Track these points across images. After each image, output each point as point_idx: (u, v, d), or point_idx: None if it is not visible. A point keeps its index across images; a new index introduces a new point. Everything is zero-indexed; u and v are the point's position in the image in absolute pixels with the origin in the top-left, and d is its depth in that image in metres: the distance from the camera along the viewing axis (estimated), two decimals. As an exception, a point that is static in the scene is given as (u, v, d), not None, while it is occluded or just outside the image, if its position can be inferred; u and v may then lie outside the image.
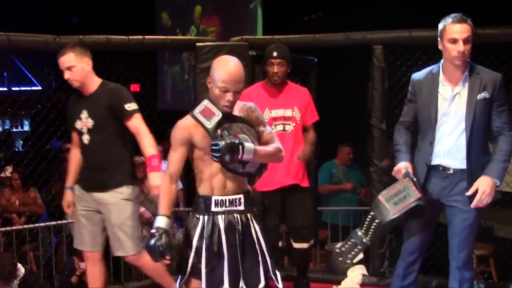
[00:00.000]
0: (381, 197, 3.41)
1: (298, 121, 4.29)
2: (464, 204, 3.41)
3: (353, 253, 3.49)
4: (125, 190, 3.82)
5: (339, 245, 3.53)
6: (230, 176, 2.95)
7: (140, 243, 3.87)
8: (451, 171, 3.44)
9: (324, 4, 8.80)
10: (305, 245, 4.35)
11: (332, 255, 3.59)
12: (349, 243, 3.49)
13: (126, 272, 5.23)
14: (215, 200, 2.95)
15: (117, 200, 3.79)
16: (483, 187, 3.32)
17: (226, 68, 2.89)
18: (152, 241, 2.86)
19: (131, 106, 3.73)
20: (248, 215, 3.00)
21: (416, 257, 3.61)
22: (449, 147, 3.43)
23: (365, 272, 4.72)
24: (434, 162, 3.47)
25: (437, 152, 3.46)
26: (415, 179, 3.38)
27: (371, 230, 3.42)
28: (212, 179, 2.96)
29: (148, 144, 3.74)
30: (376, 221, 3.40)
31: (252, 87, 4.39)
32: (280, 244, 4.61)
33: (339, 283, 4.63)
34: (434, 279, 4.61)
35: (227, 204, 2.96)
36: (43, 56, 7.16)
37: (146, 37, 4.72)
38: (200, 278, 2.93)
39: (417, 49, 4.68)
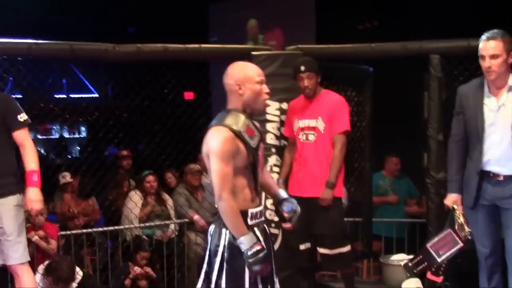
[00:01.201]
0: (429, 246, 3.79)
1: (322, 131, 4.32)
2: None
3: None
4: (19, 197, 3.74)
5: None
6: (255, 188, 2.98)
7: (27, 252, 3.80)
8: (502, 178, 3.62)
9: (379, 13, 8.73)
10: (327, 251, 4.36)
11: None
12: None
13: (179, 280, 5.29)
14: (251, 213, 2.93)
15: (12, 207, 3.69)
16: None
17: (249, 65, 3.07)
18: (258, 256, 2.81)
19: (23, 117, 3.73)
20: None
21: (494, 259, 3.76)
22: (499, 155, 3.61)
23: (421, 286, 4.65)
24: (485, 169, 3.65)
25: (487, 160, 3.64)
26: (459, 221, 3.70)
27: (419, 268, 3.85)
28: (243, 192, 2.92)
29: (32, 158, 3.69)
30: (425, 263, 3.80)
31: (295, 99, 4.52)
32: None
33: (393, 295, 4.58)
34: None
35: (258, 216, 2.98)
36: (100, 65, 7.33)
37: (203, 45, 4.78)
38: None
39: (476, 58, 4.58)
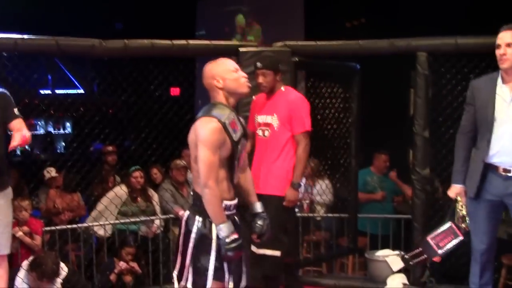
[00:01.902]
0: (429, 239, 3.80)
1: (276, 128, 4.21)
2: None
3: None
4: (11, 191, 3.89)
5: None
6: (231, 181, 3.05)
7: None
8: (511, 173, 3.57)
9: (367, 11, 8.76)
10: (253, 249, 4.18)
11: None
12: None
13: (165, 275, 5.28)
14: (225, 205, 3.00)
15: (6, 200, 3.84)
16: None
17: (220, 59, 3.12)
18: (234, 245, 2.92)
19: (17, 111, 3.81)
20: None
21: (489, 256, 3.73)
22: (509, 146, 3.56)
23: (406, 281, 4.67)
24: (494, 160, 3.59)
25: (497, 152, 3.58)
26: (461, 213, 3.74)
27: (417, 260, 3.91)
28: (222, 183, 2.99)
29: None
30: (424, 256, 3.84)
31: (259, 94, 4.39)
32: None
33: (379, 291, 4.59)
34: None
35: (231, 208, 3.06)
36: (86, 60, 7.29)
37: (190, 42, 4.76)
38: (222, 280, 2.99)
39: (463, 56, 4.61)
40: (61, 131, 13.26)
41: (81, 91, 12.40)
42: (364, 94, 5.31)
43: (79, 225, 5.47)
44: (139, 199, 5.79)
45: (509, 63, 3.52)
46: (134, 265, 5.19)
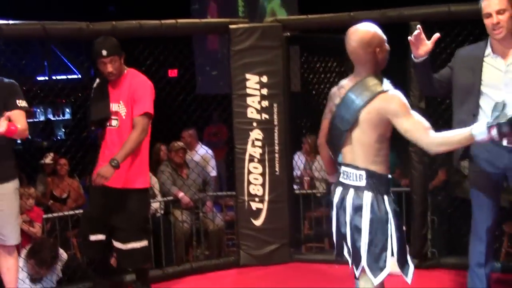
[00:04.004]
0: None
1: (124, 116, 3.95)
2: None
3: None
4: (17, 182, 3.86)
5: None
6: None
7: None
8: None
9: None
10: (120, 246, 4.03)
11: None
12: None
13: (167, 257, 5.27)
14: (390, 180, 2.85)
15: (12, 191, 3.82)
16: None
17: (374, 26, 2.84)
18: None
19: (21, 102, 3.73)
20: None
21: (494, 232, 3.60)
22: None
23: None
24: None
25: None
26: None
27: None
28: (387, 160, 2.83)
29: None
30: None
31: (100, 81, 4.08)
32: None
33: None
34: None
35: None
36: (82, 45, 7.23)
37: (179, 21, 4.69)
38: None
39: (457, 24, 4.53)
40: (61, 117, 13.22)
41: (78, 76, 12.34)
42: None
43: (78, 211, 5.45)
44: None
45: (505, 30, 3.34)
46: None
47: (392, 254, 2.77)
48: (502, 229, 4.89)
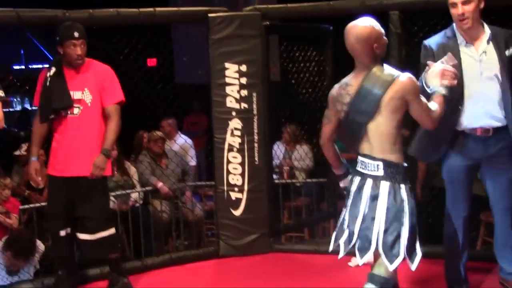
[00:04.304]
0: None
1: (89, 104, 3.90)
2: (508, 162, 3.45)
3: None
4: None
5: None
6: None
7: None
8: (490, 132, 3.43)
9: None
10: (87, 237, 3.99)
11: None
12: None
13: (146, 248, 5.24)
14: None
15: None
16: None
17: (372, 21, 2.93)
18: None
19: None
20: None
21: (469, 220, 3.63)
22: (488, 106, 3.40)
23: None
24: (470, 125, 3.43)
25: (472, 114, 3.42)
26: None
27: None
28: (402, 146, 2.95)
29: None
30: None
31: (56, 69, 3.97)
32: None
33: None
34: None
35: None
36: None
37: (157, 9, 4.64)
38: None
39: (436, 13, 4.53)
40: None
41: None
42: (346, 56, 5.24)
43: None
44: (115, 173, 5.70)
45: (470, 21, 3.35)
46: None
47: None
48: (479, 218, 4.93)
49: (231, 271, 4.60)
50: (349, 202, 2.99)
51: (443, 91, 3.03)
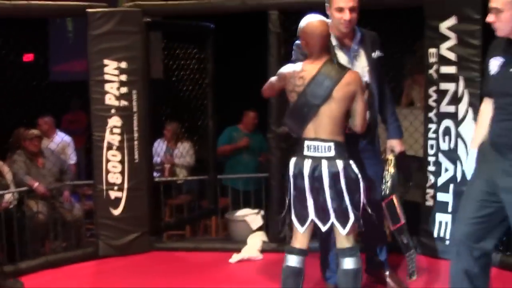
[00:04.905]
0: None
1: None
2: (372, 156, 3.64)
3: None
4: None
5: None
6: None
7: None
8: None
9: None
10: None
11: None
12: None
13: (21, 251, 5.03)
14: None
15: None
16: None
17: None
18: None
19: None
20: None
21: None
22: None
23: (265, 239, 4.74)
24: None
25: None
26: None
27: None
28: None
29: None
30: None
31: None
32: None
33: (239, 251, 4.61)
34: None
35: None
36: None
37: (32, 2, 4.45)
38: None
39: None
40: None
41: None
42: (231, 53, 5.29)
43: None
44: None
45: (351, 28, 3.50)
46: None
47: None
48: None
49: (110, 271, 4.50)
50: (306, 183, 3.15)
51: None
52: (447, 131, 4.26)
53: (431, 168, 4.37)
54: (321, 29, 3.18)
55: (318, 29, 3.17)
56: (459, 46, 4.16)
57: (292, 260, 3.25)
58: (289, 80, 3.23)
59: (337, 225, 3.16)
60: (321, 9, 4.51)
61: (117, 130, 4.64)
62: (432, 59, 4.31)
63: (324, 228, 3.20)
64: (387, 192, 3.53)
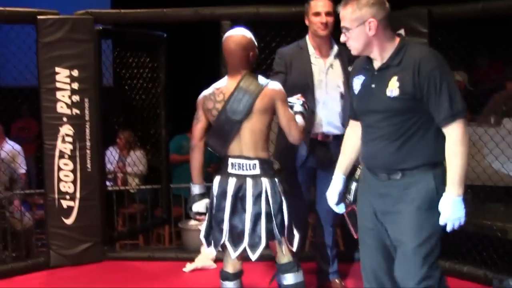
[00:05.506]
0: None
1: None
2: None
3: None
4: None
5: None
6: None
7: None
8: (330, 138, 3.75)
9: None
10: None
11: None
12: None
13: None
14: None
15: None
16: None
17: (247, 31, 3.22)
18: None
19: None
20: None
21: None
22: (329, 114, 3.71)
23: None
24: (315, 130, 3.72)
25: (319, 121, 3.71)
26: None
27: None
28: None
29: None
30: None
31: None
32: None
33: (192, 260, 4.62)
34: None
35: None
36: None
37: (-20, 8, 4.39)
38: None
39: (265, 24, 4.72)
40: None
41: None
42: (182, 60, 5.29)
43: None
44: None
45: (327, 32, 3.66)
46: None
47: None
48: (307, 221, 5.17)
49: (61, 282, 4.44)
50: (227, 203, 3.08)
51: (300, 108, 3.28)
52: None
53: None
54: (237, 43, 3.10)
55: (233, 43, 3.10)
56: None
57: (230, 286, 3.24)
58: (209, 98, 3.16)
59: (248, 251, 3.08)
60: (271, 20, 4.64)
61: (69, 139, 4.60)
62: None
63: (234, 255, 3.10)
64: (351, 200, 3.52)
